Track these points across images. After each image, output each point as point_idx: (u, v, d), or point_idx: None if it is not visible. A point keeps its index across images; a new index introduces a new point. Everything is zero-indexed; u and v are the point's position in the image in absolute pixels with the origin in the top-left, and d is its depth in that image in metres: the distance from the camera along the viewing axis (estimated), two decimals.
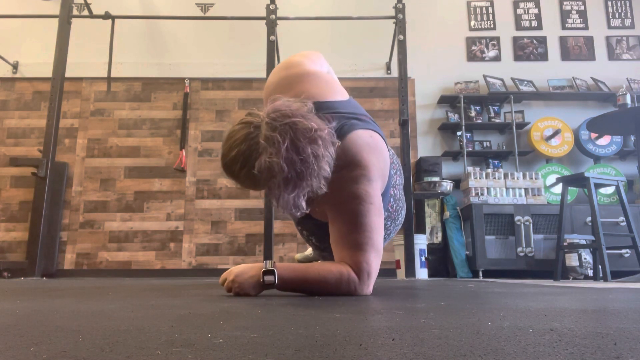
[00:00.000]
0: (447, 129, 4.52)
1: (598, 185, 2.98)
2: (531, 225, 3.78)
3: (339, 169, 1.14)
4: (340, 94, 1.33)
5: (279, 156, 1.00)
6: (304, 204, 1.06)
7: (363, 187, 1.14)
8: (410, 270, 3.34)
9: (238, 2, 4.62)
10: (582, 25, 4.77)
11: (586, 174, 2.87)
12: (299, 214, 1.07)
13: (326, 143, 1.06)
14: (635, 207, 3.81)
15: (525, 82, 4.53)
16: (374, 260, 1.13)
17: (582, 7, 4.81)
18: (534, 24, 4.78)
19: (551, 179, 4.24)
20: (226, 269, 1.16)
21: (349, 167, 1.15)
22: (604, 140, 4.36)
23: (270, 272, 1.06)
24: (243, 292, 1.09)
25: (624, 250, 3.66)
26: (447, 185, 4.04)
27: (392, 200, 1.37)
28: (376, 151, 1.21)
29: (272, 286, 1.08)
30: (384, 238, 1.42)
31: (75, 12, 4.24)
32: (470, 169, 4.10)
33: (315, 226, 1.36)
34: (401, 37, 3.71)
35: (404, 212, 1.50)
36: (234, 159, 1.06)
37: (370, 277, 1.12)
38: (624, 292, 1.42)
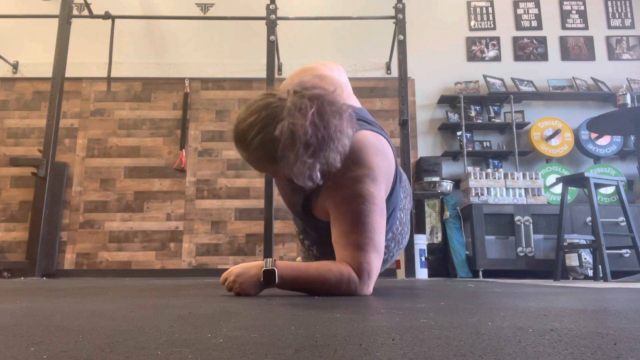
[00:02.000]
0: (447, 129, 4.51)
1: (598, 185, 2.98)
2: (531, 225, 3.78)
3: (343, 165, 1.14)
4: (353, 101, 1.35)
5: (304, 120, 1.01)
6: (318, 175, 1.07)
7: (366, 186, 1.14)
8: (410, 270, 3.34)
9: (238, 2, 4.62)
10: (582, 25, 4.77)
11: (586, 174, 2.87)
12: (310, 183, 1.08)
13: (348, 122, 1.09)
14: (635, 207, 3.81)
15: (525, 82, 4.53)
16: (375, 261, 1.13)
17: (582, 7, 4.80)
18: (534, 24, 4.78)
19: (551, 179, 4.24)
20: (226, 269, 1.15)
21: (354, 166, 1.15)
22: (604, 140, 4.36)
23: (270, 272, 1.06)
24: (244, 292, 1.08)
25: (624, 250, 3.66)
26: (447, 185, 4.04)
27: (397, 223, 1.37)
28: (382, 154, 1.22)
29: (272, 285, 1.08)
30: (386, 260, 1.41)
31: (75, 12, 4.24)
32: (470, 169, 4.10)
33: (317, 232, 1.34)
34: (401, 37, 3.71)
35: (407, 237, 1.49)
36: (251, 125, 1.05)
37: (371, 278, 1.12)
38: (624, 292, 1.42)
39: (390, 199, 1.30)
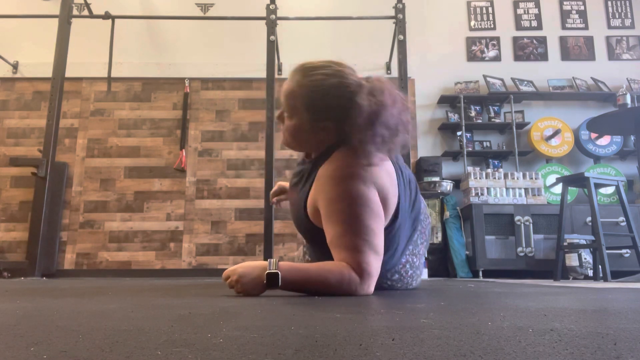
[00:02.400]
0: (447, 129, 4.51)
1: (598, 185, 2.98)
2: (531, 225, 3.78)
3: (343, 158, 1.13)
4: None
5: (392, 104, 1.09)
6: (376, 148, 1.13)
7: (358, 186, 1.13)
8: None
9: (238, 2, 4.62)
10: (582, 25, 4.77)
11: (586, 174, 2.87)
12: (371, 150, 1.12)
13: (406, 130, 1.15)
14: (635, 207, 3.81)
15: (525, 82, 4.53)
16: (374, 262, 1.12)
17: (582, 7, 4.80)
18: (534, 24, 4.78)
19: (551, 179, 4.24)
20: (226, 269, 1.15)
21: (353, 160, 1.14)
22: (604, 140, 4.36)
23: (274, 275, 1.05)
24: (245, 292, 1.08)
25: (624, 250, 3.66)
26: (447, 185, 4.04)
27: (408, 266, 1.36)
28: (385, 170, 1.20)
29: (275, 288, 1.07)
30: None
31: (75, 12, 4.24)
32: (470, 169, 4.10)
33: (316, 245, 1.32)
34: (401, 37, 3.71)
35: (419, 280, 1.47)
36: (323, 66, 1.11)
37: (371, 277, 1.11)
38: (624, 292, 1.42)
39: (391, 232, 1.26)
